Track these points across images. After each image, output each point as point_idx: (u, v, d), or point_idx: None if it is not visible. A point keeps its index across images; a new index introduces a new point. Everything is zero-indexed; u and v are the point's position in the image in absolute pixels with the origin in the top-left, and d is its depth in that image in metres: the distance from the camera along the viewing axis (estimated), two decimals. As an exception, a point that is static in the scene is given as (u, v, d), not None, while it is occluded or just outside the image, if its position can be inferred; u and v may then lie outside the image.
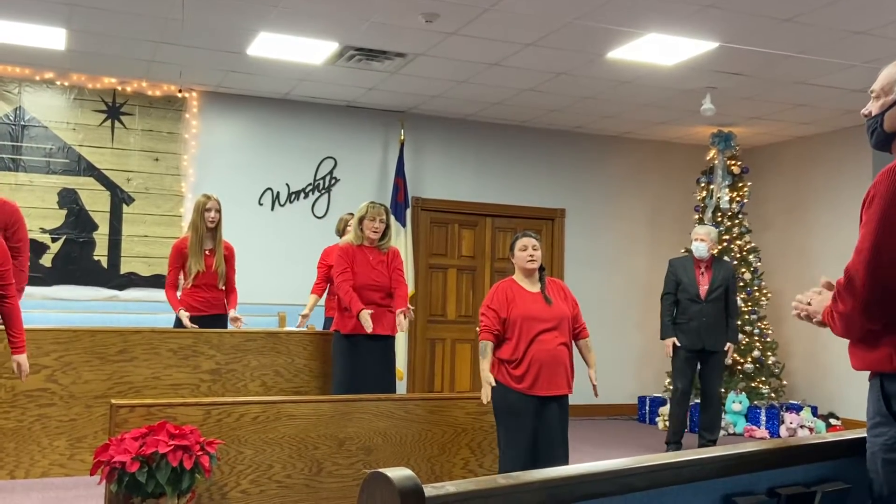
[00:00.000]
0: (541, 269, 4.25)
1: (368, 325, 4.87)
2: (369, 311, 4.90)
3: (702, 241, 6.30)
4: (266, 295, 7.20)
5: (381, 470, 1.25)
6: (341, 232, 6.17)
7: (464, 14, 5.34)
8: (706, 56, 6.04)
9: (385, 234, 5.18)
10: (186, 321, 5.34)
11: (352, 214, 6.08)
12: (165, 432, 3.78)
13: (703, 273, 6.32)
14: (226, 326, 5.60)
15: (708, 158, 8.36)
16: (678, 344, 6.27)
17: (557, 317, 4.14)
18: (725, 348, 6.30)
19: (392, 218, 7.50)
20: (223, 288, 5.60)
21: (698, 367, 6.42)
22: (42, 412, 4.98)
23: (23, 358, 3.95)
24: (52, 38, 6.02)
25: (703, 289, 6.25)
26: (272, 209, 7.62)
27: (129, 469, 3.63)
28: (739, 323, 7.79)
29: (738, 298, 7.82)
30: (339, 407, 4.48)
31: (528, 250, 4.19)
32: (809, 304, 2.11)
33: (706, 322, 6.19)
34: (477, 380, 8.09)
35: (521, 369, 4.07)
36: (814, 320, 2.10)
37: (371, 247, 5.15)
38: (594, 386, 4.27)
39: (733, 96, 7.08)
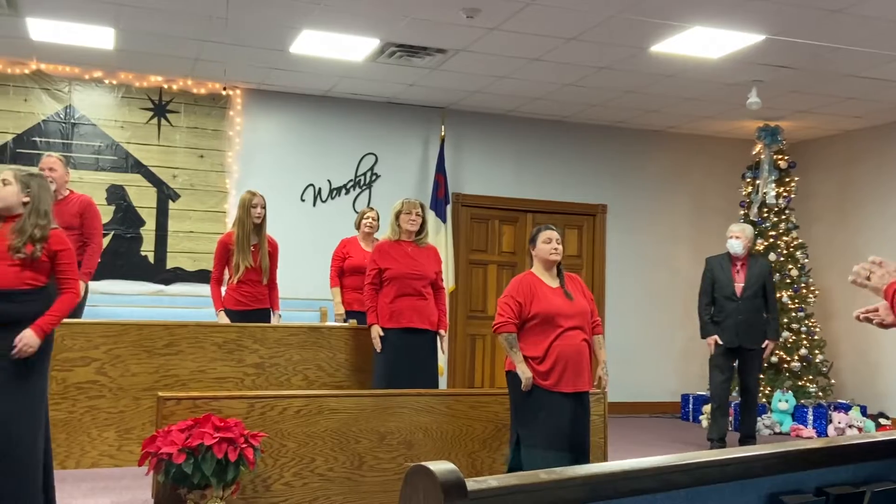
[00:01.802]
0: (558, 264, 4.22)
1: (377, 345, 5.03)
2: (380, 333, 5.04)
3: (737, 239, 6.32)
4: (307, 290, 7.26)
5: (423, 463, 1.25)
6: (357, 225, 6.24)
7: (505, 9, 5.32)
8: (752, 49, 5.94)
9: (422, 228, 5.21)
10: (224, 320, 5.48)
11: (371, 208, 6.23)
12: (211, 425, 3.83)
13: (738, 271, 6.35)
14: (269, 321, 5.68)
15: (754, 153, 8.22)
16: (720, 342, 6.26)
17: (579, 312, 4.11)
18: (763, 345, 6.26)
19: (432, 214, 7.63)
20: (266, 282, 5.68)
21: (736, 364, 6.40)
22: (92, 404, 5.09)
23: (29, 335, 3.48)
24: (100, 37, 6.14)
25: (739, 286, 6.28)
26: (314, 205, 7.69)
27: (176, 460, 3.69)
28: (787, 320, 7.67)
29: (785, 295, 7.71)
30: (380, 401, 4.51)
31: (552, 243, 4.16)
32: (869, 279, 1.99)
33: (742, 319, 6.22)
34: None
35: (547, 365, 4.02)
36: (874, 322, 2.03)
37: (409, 241, 5.17)
38: (603, 382, 4.27)
39: (780, 89, 6.95)
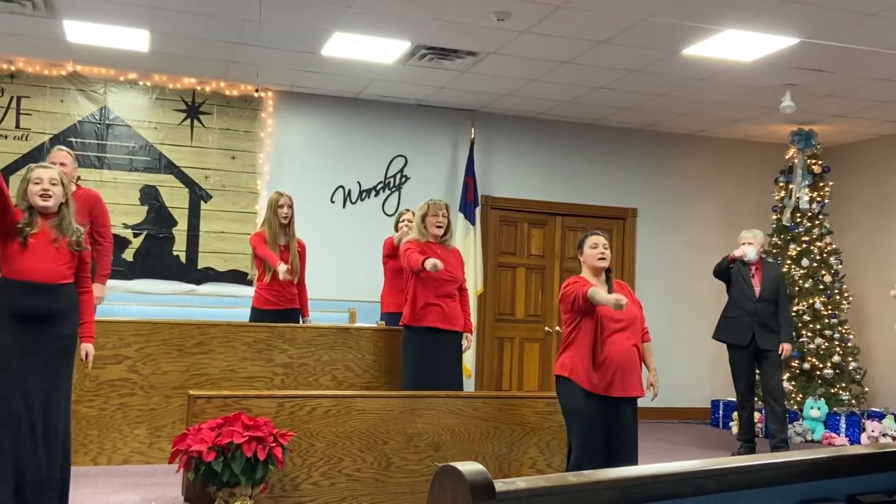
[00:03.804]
0: (607, 270, 4.20)
1: (440, 264, 4.77)
2: (434, 260, 4.79)
3: (749, 245, 6.42)
4: (337, 291, 7.30)
5: (452, 464, 1.26)
6: (396, 226, 6.17)
7: (536, 12, 5.31)
8: (786, 52, 5.87)
9: (447, 229, 5.22)
10: (283, 272, 5.38)
11: (408, 210, 6.15)
12: (241, 423, 3.87)
13: (753, 275, 6.49)
14: (299, 320, 5.72)
15: (787, 157, 8.12)
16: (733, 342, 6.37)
17: (629, 317, 4.08)
18: (779, 351, 6.31)
19: (461, 216, 7.64)
20: (296, 283, 5.72)
21: (757, 369, 6.50)
22: (123, 401, 5.16)
23: (91, 347, 3.90)
24: (136, 39, 6.23)
25: (757, 289, 6.41)
26: (344, 207, 7.72)
27: (206, 458, 3.73)
28: (819, 327, 7.58)
29: (818, 301, 7.62)
30: (408, 403, 4.52)
31: (598, 248, 4.14)
32: None
33: (758, 321, 6.34)
34: (545, 379, 8.05)
35: (597, 370, 4.01)
36: None
37: (436, 242, 5.18)
38: (655, 389, 4.24)
39: (814, 93, 6.87)
